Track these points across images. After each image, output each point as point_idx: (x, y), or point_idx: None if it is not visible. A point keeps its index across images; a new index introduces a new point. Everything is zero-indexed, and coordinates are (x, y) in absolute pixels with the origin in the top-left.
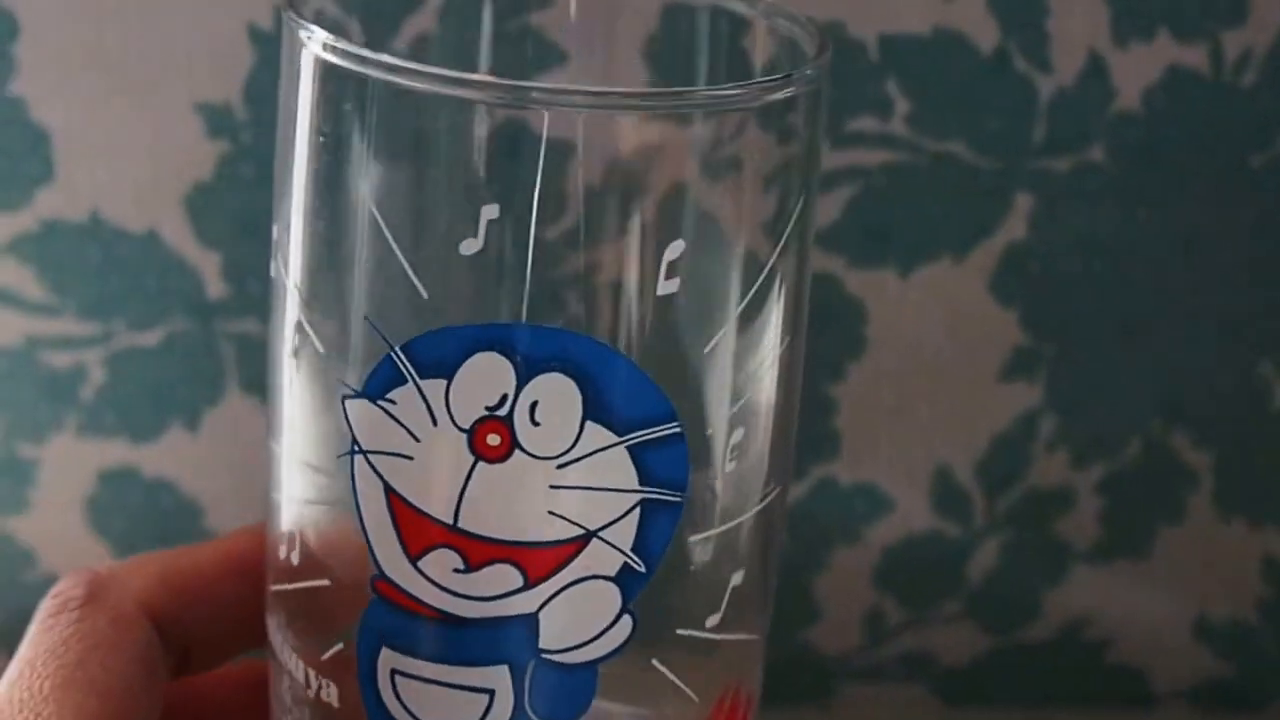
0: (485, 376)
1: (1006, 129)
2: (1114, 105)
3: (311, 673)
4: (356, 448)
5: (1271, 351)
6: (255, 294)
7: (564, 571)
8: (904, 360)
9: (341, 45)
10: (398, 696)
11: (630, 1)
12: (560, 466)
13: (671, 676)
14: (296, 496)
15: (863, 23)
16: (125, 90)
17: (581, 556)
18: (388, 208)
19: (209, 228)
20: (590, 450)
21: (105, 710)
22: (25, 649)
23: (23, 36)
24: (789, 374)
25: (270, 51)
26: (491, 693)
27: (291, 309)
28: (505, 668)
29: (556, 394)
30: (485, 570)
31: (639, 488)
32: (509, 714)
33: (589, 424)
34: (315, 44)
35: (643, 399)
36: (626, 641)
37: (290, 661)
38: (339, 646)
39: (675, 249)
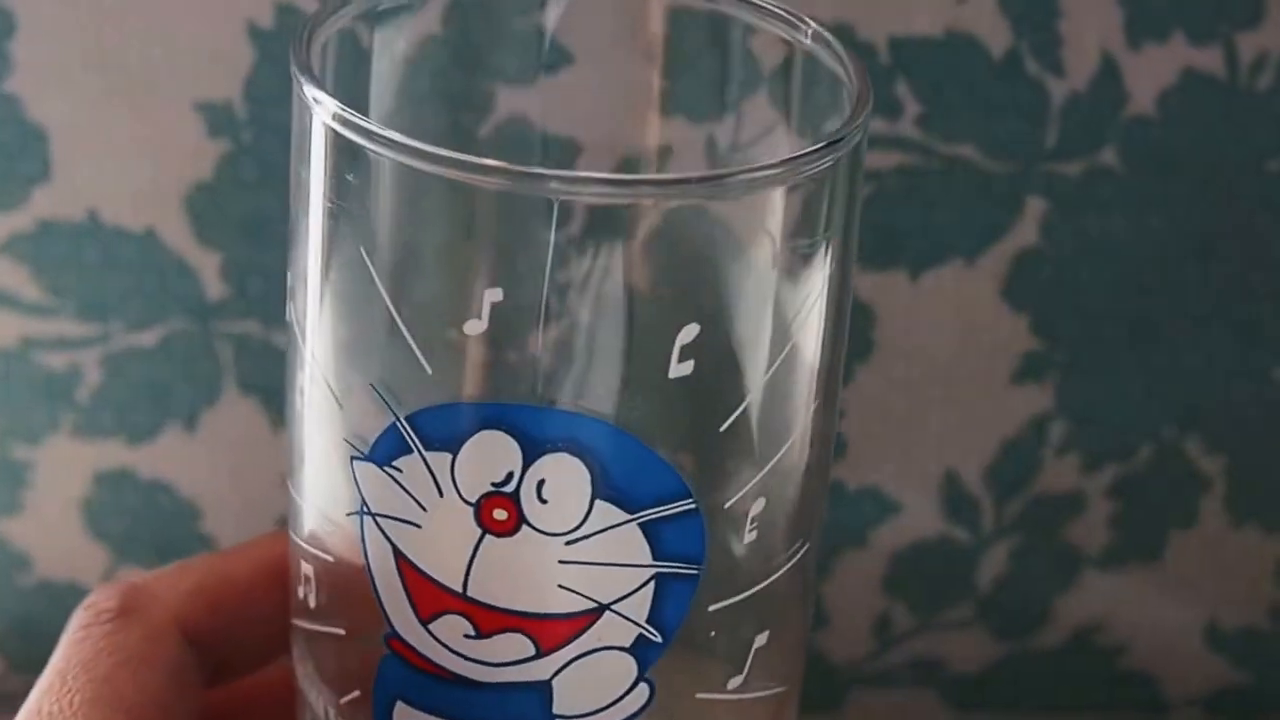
0: (490, 454)
1: (1018, 132)
2: (1127, 108)
3: (331, 711)
4: (366, 509)
5: None
6: (255, 295)
7: (576, 642)
8: (913, 364)
9: (350, 117)
10: None
11: (653, 9)
12: (569, 543)
13: None
14: (311, 542)
15: (873, 24)
16: (124, 88)
17: (594, 628)
18: (393, 281)
19: (208, 228)
20: (600, 528)
21: None
22: (57, 659)
23: (20, 34)
24: (820, 437)
25: (271, 50)
26: None
27: (303, 360)
28: None
29: (564, 473)
30: (496, 638)
31: (652, 562)
32: None
33: (598, 502)
34: (324, 112)
35: (654, 478)
36: (643, 708)
37: (311, 694)
38: (356, 693)
39: (689, 332)
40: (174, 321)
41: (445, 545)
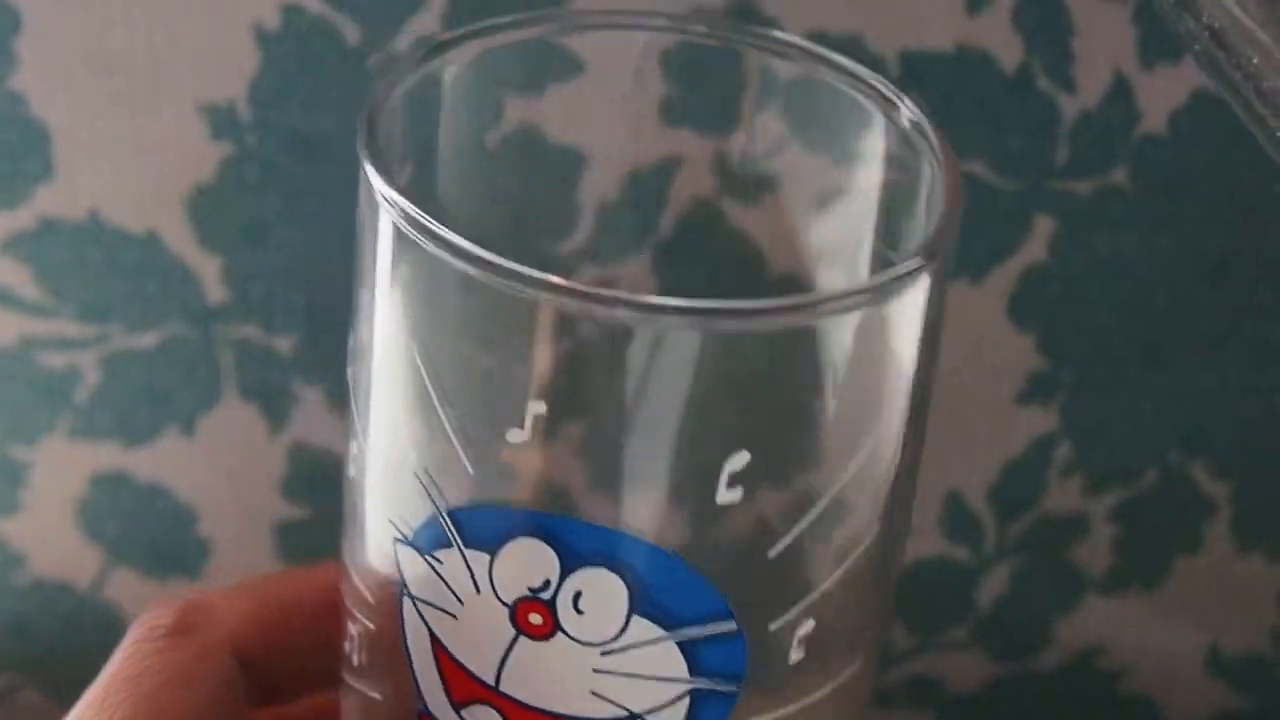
0: (528, 561)
1: (1028, 149)
2: (1139, 128)
3: None
4: (406, 591)
5: None
6: (255, 299)
7: None
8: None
9: (417, 217)
10: None
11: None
12: (605, 653)
13: None
14: (356, 605)
15: (884, 38)
16: (128, 90)
17: None
18: (442, 380)
19: (210, 231)
20: (637, 641)
21: None
22: (106, 671)
23: (24, 32)
24: (881, 560)
25: (275, 53)
26: None
27: (355, 430)
28: None
29: (601, 587)
30: None
31: (689, 678)
32: None
33: (636, 617)
34: (391, 210)
35: (694, 598)
36: None
37: None
38: None
39: (739, 460)
40: (174, 324)
41: (480, 639)
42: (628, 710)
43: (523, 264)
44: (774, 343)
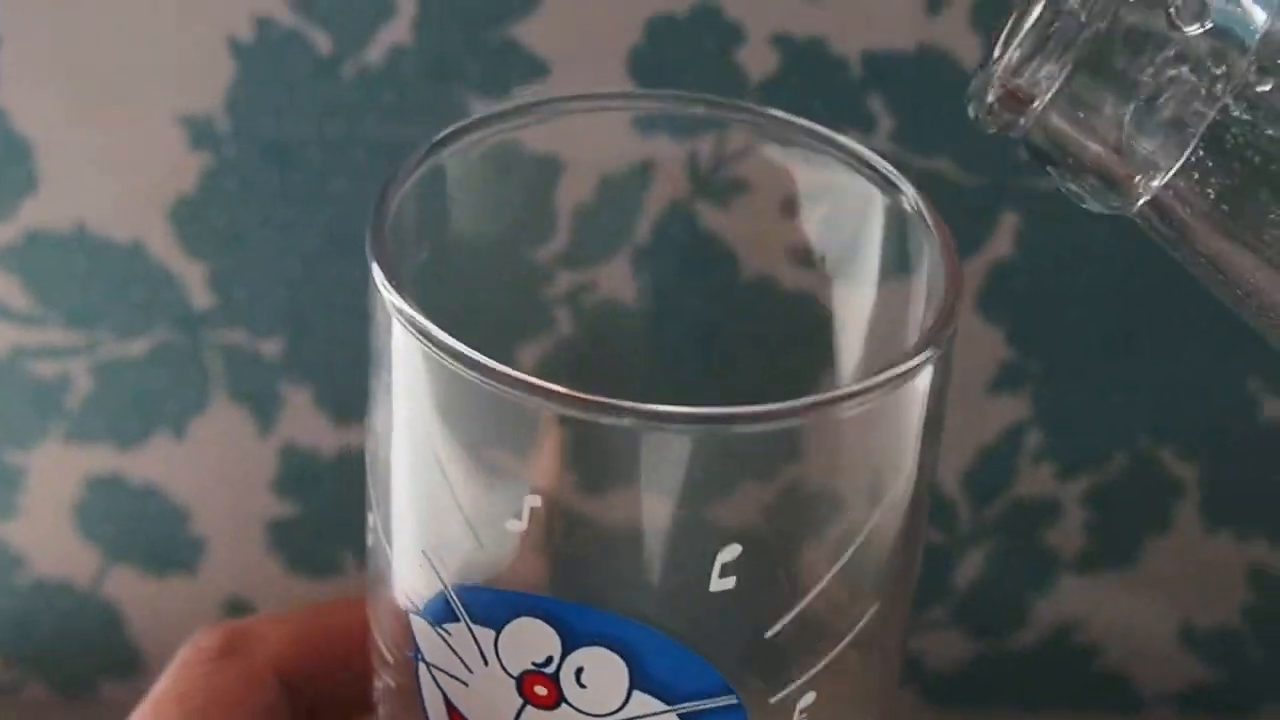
0: (531, 638)
1: (992, 146)
2: None
3: None
4: (420, 656)
5: (1260, 366)
6: (240, 304)
7: None
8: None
9: (424, 325)
10: None
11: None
12: None
13: None
14: (378, 661)
15: (846, 39)
16: (108, 102)
17: None
18: (449, 467)
19: (193, 239)
20: (639, 714)
21: None
22: (156, 690)
23: (4, 47)
24: (881, 634)
25: (250, 64)
26: None
27: (369, 500)
28: None
29: (602, 665)
30: None
31: None
32: None
33: (637, 692)
34: (402, 320)
35: (694, 676)
36: None
37: None
38: None
39: (730, 552)
40: (161, 331)
41: (491, 705)
42: None
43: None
44: (772, 442)
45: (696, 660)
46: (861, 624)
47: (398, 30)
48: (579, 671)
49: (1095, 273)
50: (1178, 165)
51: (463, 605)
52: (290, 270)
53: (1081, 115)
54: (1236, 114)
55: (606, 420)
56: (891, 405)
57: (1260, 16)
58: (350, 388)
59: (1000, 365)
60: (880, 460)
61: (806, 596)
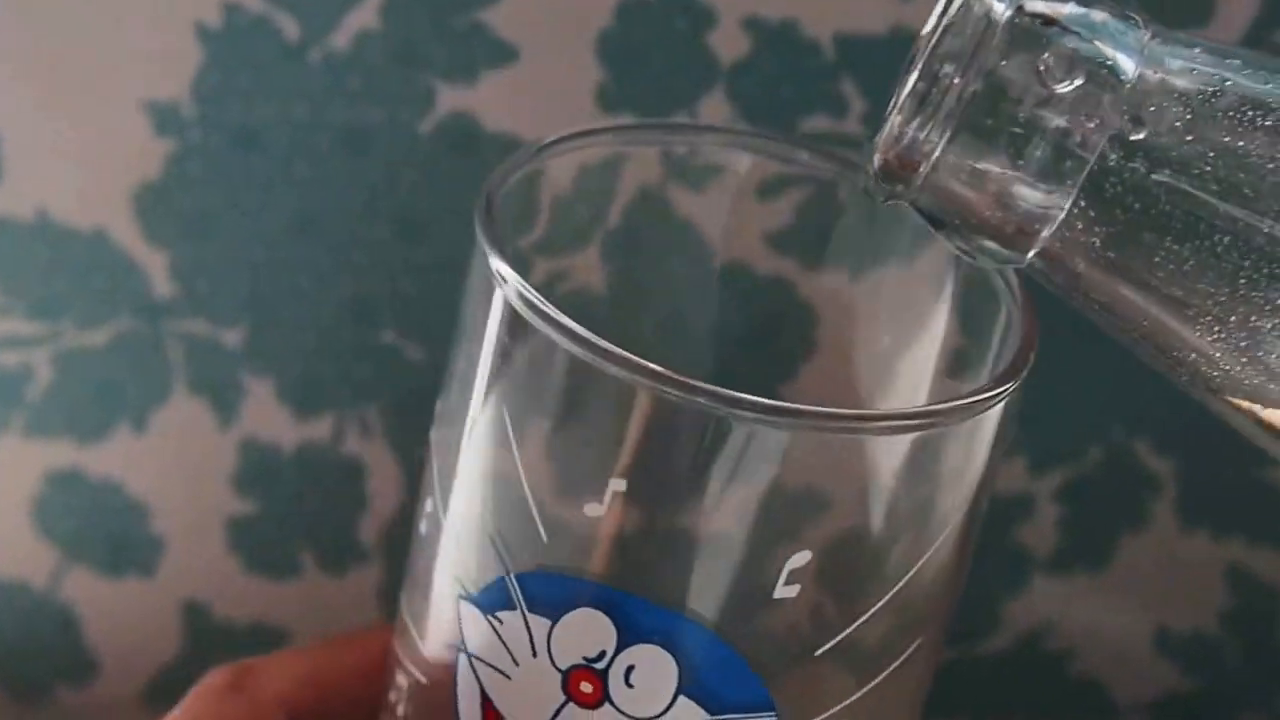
0: (587, 630)
1: None
2: None
3: None
4: (463, 646)
5: None
6: (203, 294)
7: None
8: (855, 364)
9: (531, 298)
10: None
11: None
12: None
13: None
14: (409, 656)
15: (818, 21)
16: (71, 89)
17: None
18: (529, 449)
19: (157, 227)
20: None
21: None
22: None
23: None
24: (922, 662)
25: (218, 50)
26: None
27: (432, 487)
28: None
29: (653, 664)
30: None
31: None
32: None
33: (682, 697)
34: (506, 288)
35: (740, 687)
36: None
37: None
38: None
39: (800, 558)
40: (123, 320)
41: (531, 701)
42: None
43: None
44: (854, 449)
45: (745, 669)
46: (911, 648)
47: (365, 15)
48: (629, 670)
49: None
50: (1061, 217)
51: (523, 592)
52: (254, 256)
53: (965, 176)
54: (1114, 163)
55: (695, 401)
56: (974, 429)
57: (1129, 66)
58: (313, 379)
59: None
60: (954, 482)
61: (860, 618)
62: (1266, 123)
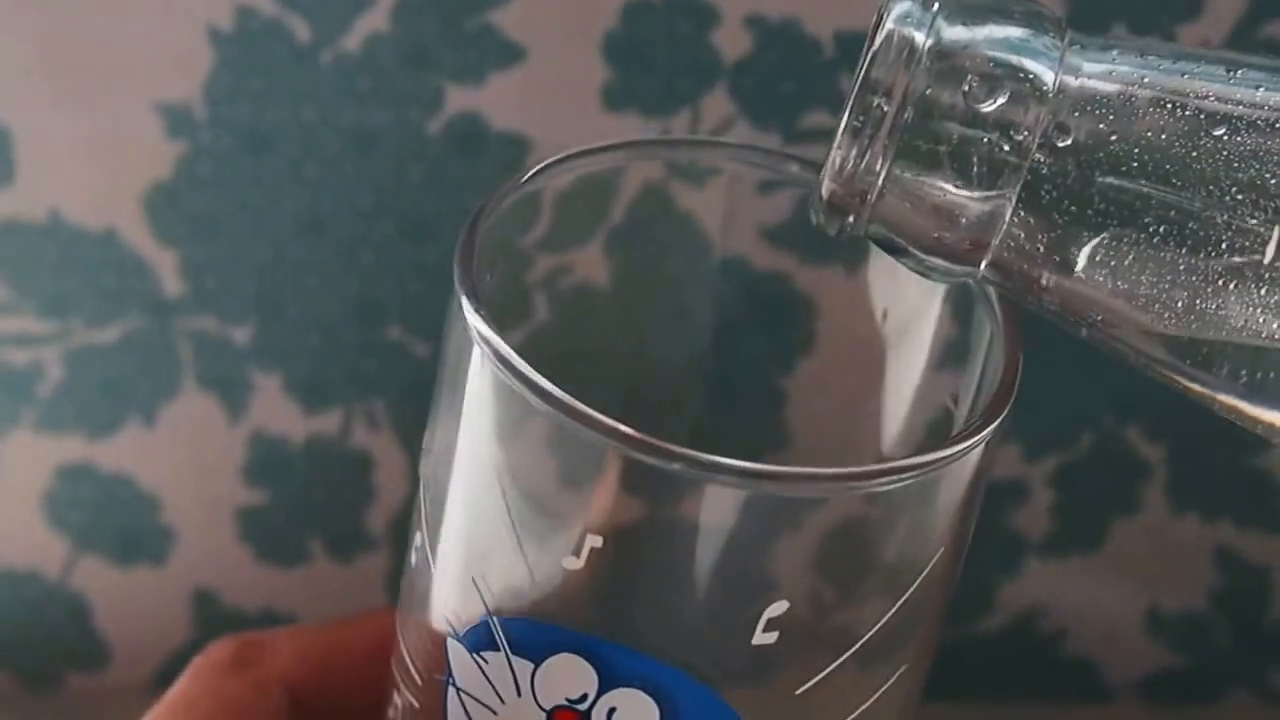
0: (569, 674)
1: None
2: None
3: None
4: (451, 680)
5: None
6: (212, 291)
7: None
8: (852, 354)
9: (505, 356)
10: None
11: None
12: None
13: None
14: (403, 679)
15: (820, 19)
16: (84, 90)
17: None
18: (512, 497)
19: (167, 226)
20: None
21: None
22: (168, 696)
23: None
24: (906, 690)
25: (229, 52)
26: None
27: (421, 519)
28: None
29: (635, 707)
30: None
31: None
32: None
33: None
34: (485, 348)
35: None
36: None
37: None
38: None
39: (778, 608)
40: (133, 318)
41: None
42: None
43: None
44: (827, 505)
45: (729, 712)
46: (892, 680)
47: (376, 18)
48: (611, 711)
49: None
50: (1003, 228)
51: (505, 635)
52: (262, 256)
53: (910, 201)
54: (1046, 170)
55: (668, 466)
56: (948, 473)
57: (1049, 77)
58: (321, 374)
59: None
60: (930, 523)
61: (841, 657)
62: (1186, 113)
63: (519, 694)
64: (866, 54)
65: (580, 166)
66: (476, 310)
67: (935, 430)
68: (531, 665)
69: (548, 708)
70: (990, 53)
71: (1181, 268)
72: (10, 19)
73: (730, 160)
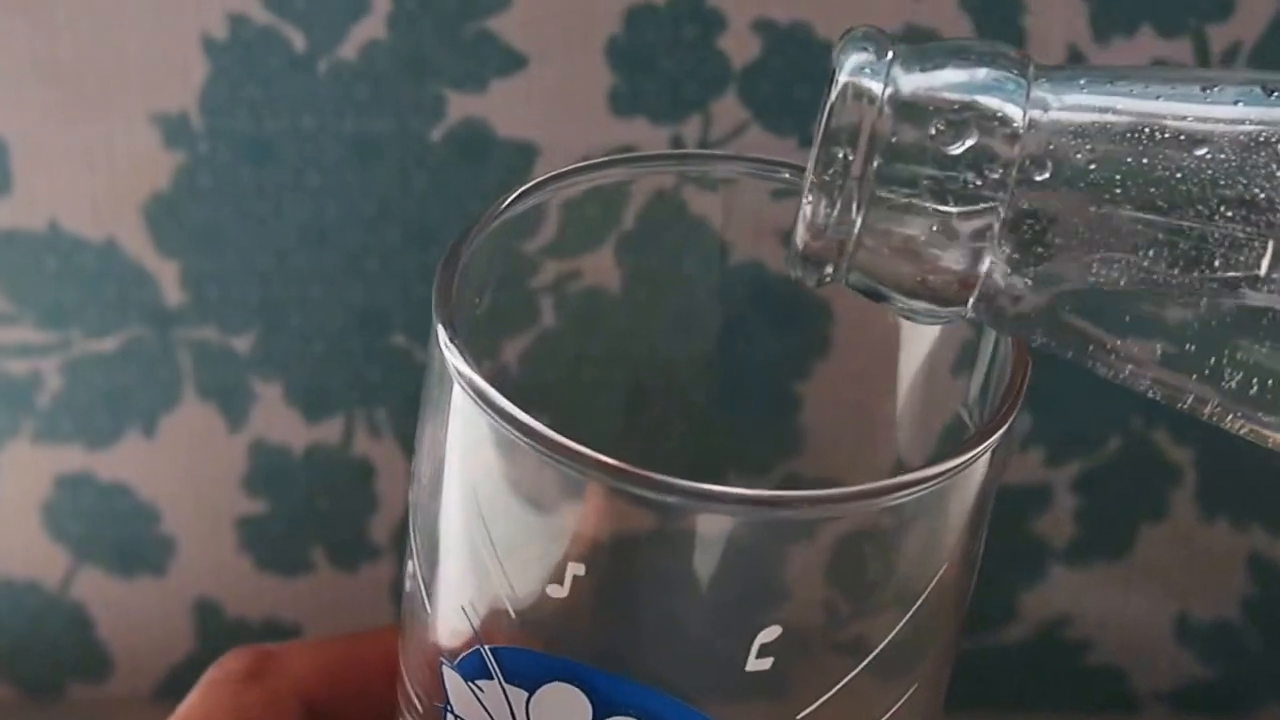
0: (562, 704)
1: None
2: None
3: None
4: (449, 707)
5: None
6: (212, 302)
7: None
8: (869, 359)
9: (484, 390)
10: None
11: None
12: None
13: None
14: (405, 704)
15: (831, 23)
16: (81, 101)
17: None
18: (495, 528)
19: (166, 237)
20: None
21: None
22: (182, 707)
23: None
24: (916, 711)
25: (224, 62)
26: None
27: (412, 550)
28: None
29: None
30: None
31: None
32: None
33: None
34: (463, 384)
35: None
36: None
37: None
38: None
39: (770, 633)
40: (133, 328)
41: None
42: None
43: None
44: (814, 527)
45: None
46: (897, 705)
47: (372, 25)
48: None
49: None
50: (986, 268)
51: (498, 664)
52: (263, 265)
53: (887, 248)
54: (1026, 206)
55: (654, 496)
56: (950, 488)
57: (1017, 114)
58: (322, 383)
59: None
60: (928, 548)
61: (842, 682)
62: (1165, 135)
63: None
64: (825, 107)
65: (558, 190)
66: (452, 342)
67: (951, 435)
68: (526, 694)
69: None
70: (952, 96)
71: (1175, 289)
72: (5, 30)
73: (740, 171)
